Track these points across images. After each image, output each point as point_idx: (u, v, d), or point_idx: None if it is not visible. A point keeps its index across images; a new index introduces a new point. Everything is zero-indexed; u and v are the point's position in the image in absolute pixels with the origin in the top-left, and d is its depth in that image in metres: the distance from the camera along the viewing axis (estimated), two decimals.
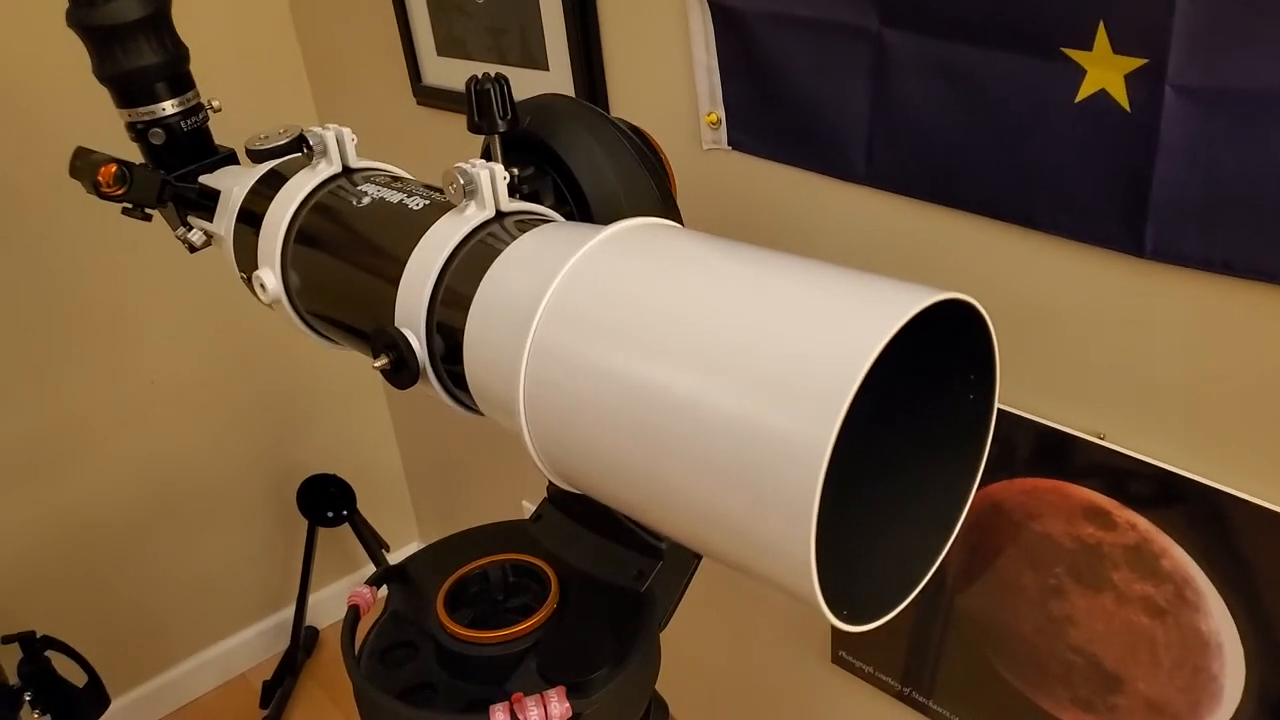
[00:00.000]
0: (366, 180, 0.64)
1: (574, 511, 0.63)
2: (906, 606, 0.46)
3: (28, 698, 1.15)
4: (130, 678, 1.60)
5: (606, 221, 0.51)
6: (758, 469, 0.38)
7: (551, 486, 0.64)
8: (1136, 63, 0.59)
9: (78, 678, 1.20)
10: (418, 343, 0.53)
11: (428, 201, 0.58)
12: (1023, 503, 0.78)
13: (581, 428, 0.45)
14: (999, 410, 0.46)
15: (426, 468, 1.78)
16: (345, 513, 1.69)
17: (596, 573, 0.61)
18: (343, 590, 1.81)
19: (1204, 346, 0.65)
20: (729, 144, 0.88)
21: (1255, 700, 0.70)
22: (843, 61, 0.75)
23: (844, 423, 0.36)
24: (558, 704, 0.54)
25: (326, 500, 1.68)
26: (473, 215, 0.54)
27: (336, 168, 0.65)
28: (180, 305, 1.48)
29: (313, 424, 1.69)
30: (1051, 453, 0.75)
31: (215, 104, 0.75)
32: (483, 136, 0.61)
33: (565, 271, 0.47)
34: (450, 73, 1.19)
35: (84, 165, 0.69)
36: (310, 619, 1.74)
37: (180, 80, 0.72)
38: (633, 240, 0.49)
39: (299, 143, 0.66)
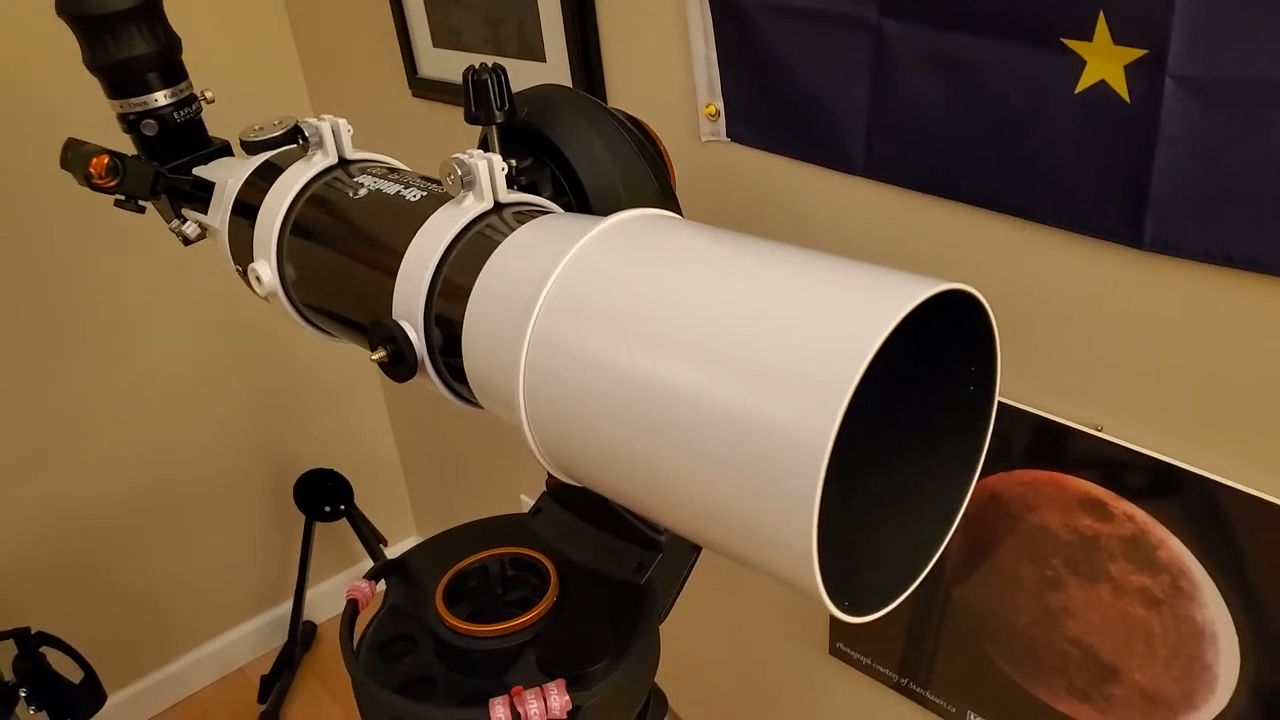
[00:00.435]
0: (363, 172, 0.63)
1: (573, 505, 0.63)
2: (905, 598, 0.45)
3: (23, 694, 1.15)
4: (127, 673, 1.60)
5: (605, 213, 0.51)
6: (759, 461, 0.38)
7: (551, 480, 0.63)
8: (1137, 53, 0.59)
9: (73, 674, 1.20)
10: (416, 335, 0.53)
11: (425, 193, 0.58)
12: (1020, 494, 0.79)
13: (582, 420, 0.45)
14: (997, 402, 0.46)
15: (424, 462, 1.77)
16: (343, 507, 1.69)
17: (596, 566, 0.61)
18: (340, 585, 1.81)
19: (1202, 338, 0.65)
20: (727, 136, 0.88)
21: (1250, 690, 0.70)
22: (841, 53, 0.75)
23: (845, 414, 0.36)
24: (557, 697, 0.54)
25: (324, 495, 1.68)
26: (471, 206, 0.54)
27: (332, 159, 0.64)
28: (176, 299, 1.47)
29: (310, 419, 1.68)
30: (1049, 444, 0.75)
31: (208, 95, 0.74)
32: (480, 128, 0.61)
33: (565, 263, 0.47)
34: (446, 64, 1.19)
35: (75, 157, 0.68)
36: (308, 614, 1.74)
37: (172, 71, 0.71)
38: (632, 231, 0.48)
39: (294, 134, 0.66)
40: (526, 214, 0.54)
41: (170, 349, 1.49)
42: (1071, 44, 0.62)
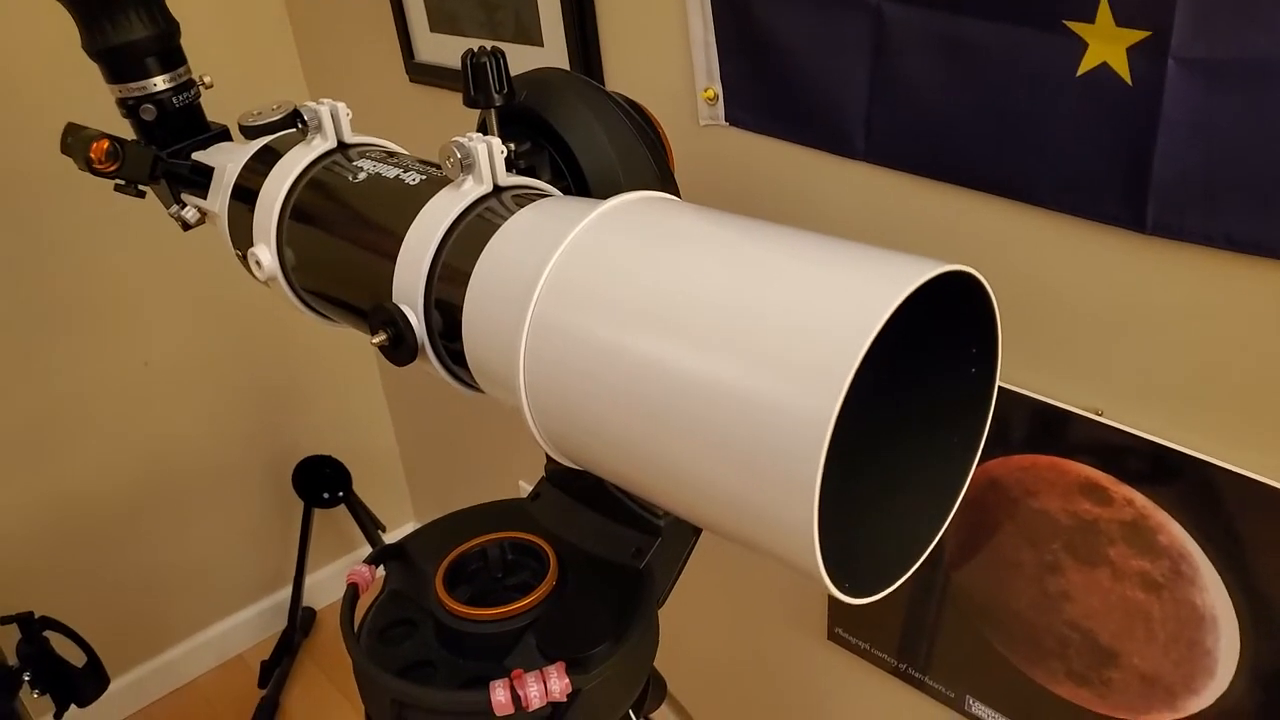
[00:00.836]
0: (362, 156, 0.63)
1: (572, 490, 0.63)
2: (905, 581, 0.46)
3: (27, 678, 1.15)
4: (129, 658, 1.61)
5: (604, 196, 0.51)
6: (760, 442, 0.38)
7: (550, 464, 0.64)
8: (1139, 35, 0.59)
9: (77, 658, 1.20)
10: (416, 319, 0.53)
11: (424, 176, 0.58)
12: (1020, 479, 0.79)
13: (582, 402, 0.45)
14: (997, 385, 0.46)
15: (422, 448, 1.77)
16: (341, 494, 1.69)
17: (595, 550, 0.61)
18: (339, 571, 1.81)
19: (1203, 322, 0.65)
20: (726, 120, 0.88)
21: (1249, 673, 0.70)
22: (841, 36, 0.75)
23: (846, 396, 0.36)
24: (557, 680, 0.54)
25: (322, 481, 1.68)
26: (470, 190, 0.54)
27: (331, 143, 0.64)
28: (175, 285, 1.47)
29: (308, 405, 1.68)
30: (1049, 429, 0.75)
31: (207, 80, 0.74)
32: (478, 111, 0.60)
33: (564, 246, 0.47)
34: (443, 49, 1.18)
35: (76, 141, 0.68)
36: (307, 600, 1.74)
37: (171, 55, 0.71)
38: (632, 214, 0.48)
39: (293, 118, 0.65)
40: (526, 197, 0.54)
41: (169, 336, 1.49)
42: (1073, 26, 0.61)
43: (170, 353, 1.49)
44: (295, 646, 1.70)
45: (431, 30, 1.18)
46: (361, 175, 0.61)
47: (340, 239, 0.60)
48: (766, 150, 0.86)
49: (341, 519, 1.74)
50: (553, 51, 1.02)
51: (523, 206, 0.52)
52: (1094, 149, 0.64)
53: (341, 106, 0.64)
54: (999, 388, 0.46)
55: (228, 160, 0.69)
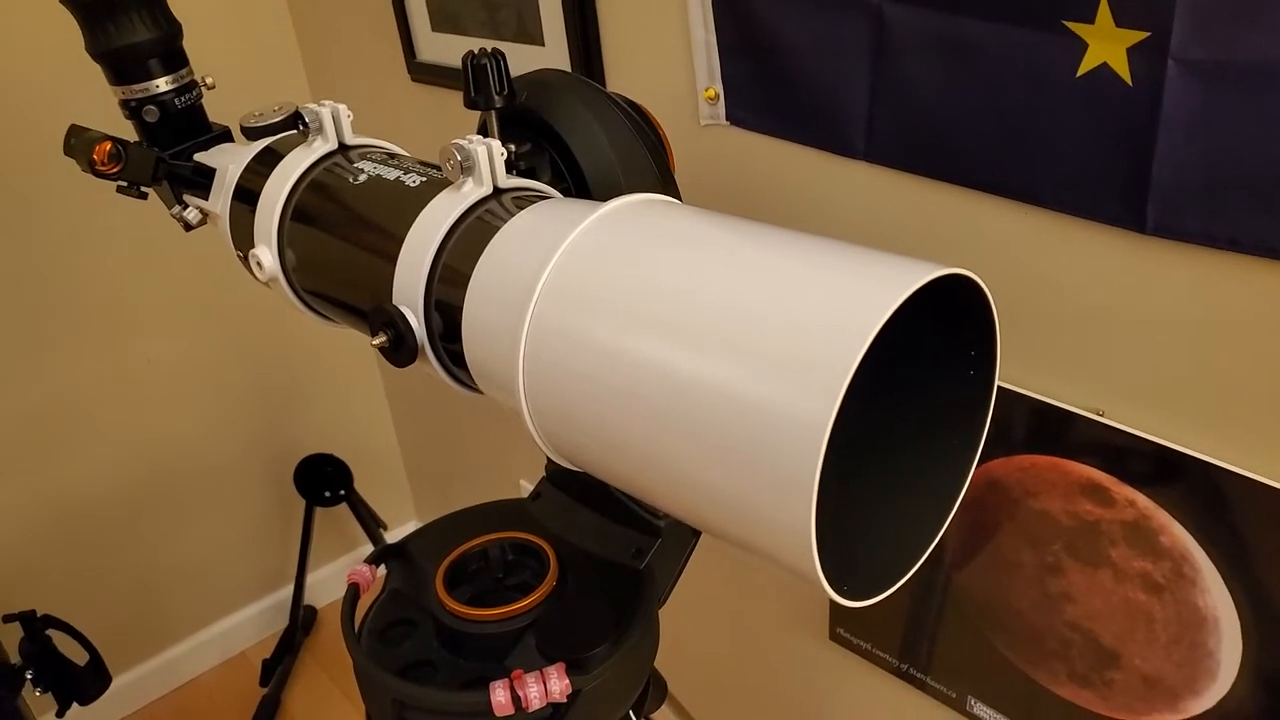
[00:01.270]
0: (363, 157, 0.63)
1: (572, 490, 0.63)
2: (905, 583, 0.46)
3: (29, 676, 1.15)
4: (131, 656, 1.61)
5: (604, 198, 0.51)
6: (758, 444, 0.38)
7: (550, 464, 0.64)
8: (1139, 36, 0.59)
9: (79, 656, 1.20)
10: (416, 320, 0.53)
11: (425, 178, 0.58)
12: (1020, 480, 0.79)
13: (581, 404, 0.45)
14: (997, 386, 0.46)
15: (423, 446, 1.78)
16: (342, 492, 1.69)
17: (595, 550, 0.61)
18: (340, 569, 1.82)
19: (1204, 323, 0.65)
20: (727, 119, 0.88)
21: (1251, 675, 0.70)
22: (841, 35, 0.75)
23: (844, 399, 0.36)
24: (557, 680, 0.54)
25: (323, 480, 1.69)
26: (470, 192, 0.54)
27: (332, 145, 0.64)
28: (176, 284, 1.47)
29: (309, 404, 1.69)
30: (1050, 429, 0.75)
31: (209, 81, 0.74)
32: (479, 113, 0.60)
33: (564, 248, 0.47)
34: (445, 49, 1.18)
35: (79, 143, 0.68)
36: (308, 598, 1.75)
37: (173, 57, 0.71)
38: (631, 216, 0.48)
39: (294, 120, 0.66)
40: (525, 199, 0.54)
41: (171, 335, 1.49)
42: (1073, 26, 0.61)
43: (172, 351, 1.50)
44: (297, 645, 1.70)
45: (433, 30, 1.18)
46: (362, 177, 0.61)
47: (341, 240, 0.61)
48: (767, 150, 0.86)
49: (343, 517, 1.75)
50: (554, 50, 1.02)
51: (523, 209, 0.52)
52: (1094, 149, 0.64)
53: (342, 108, 0.64)
54: (999, 387, 0.46)
55: (229, 162, 0.69)
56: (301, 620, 1.71)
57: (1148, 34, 0.58)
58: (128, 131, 0.73)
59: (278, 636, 1.70)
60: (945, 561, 0.88)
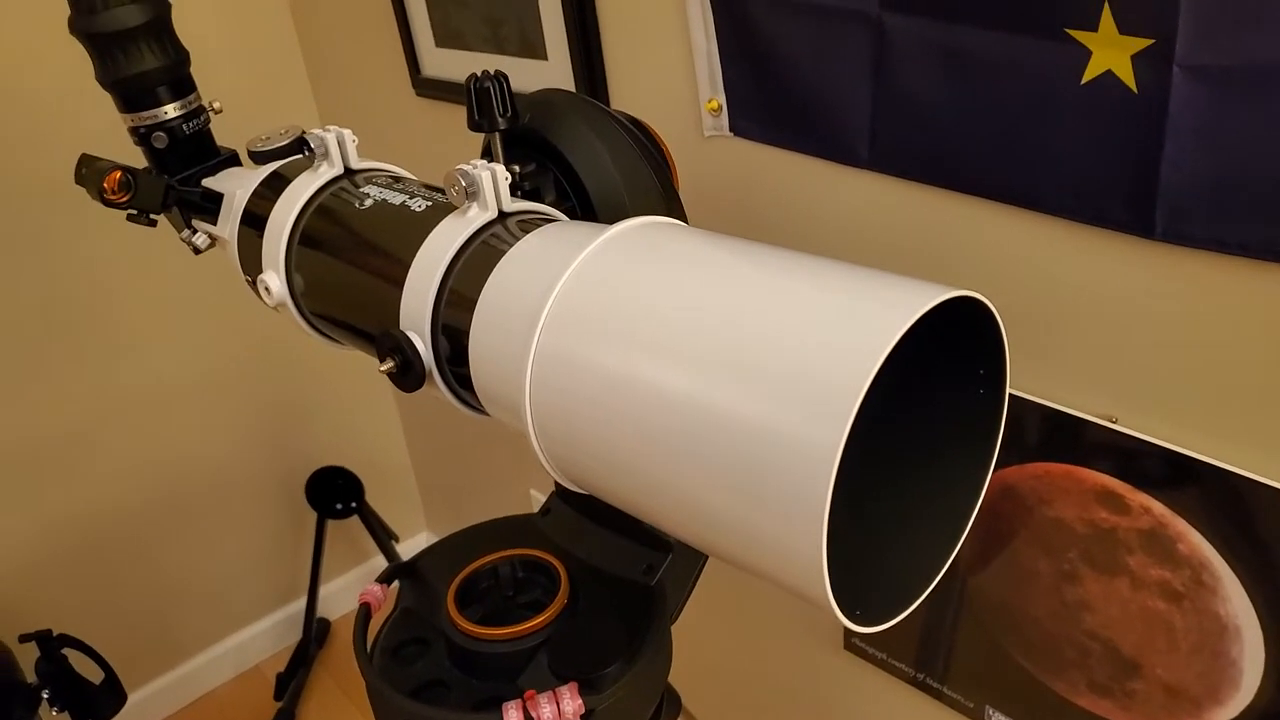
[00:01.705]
0: (368, 182, 0.63)
1: (582, 506, 0.63)
2: (917, 606, 0.45)
3: (46, 695, 1.16)
4: (146, 672, 1.62)
5: (609, 217, 0.51)
6: (767, 471, 0.37)
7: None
8: (1143, 43, 0.58)
9: (95, 675, 1.21)
10: (423, 346, 0.53)
11: (430, 203, 0.58)
12: (1035, 487, 0.78)
13: (589, 430, 0.45)
14: (1009, 394, 0.46)
15: (434, 458, 1.78)
16: (354, 504, 1.70)
17: (606, 567, 0.61)
18: (352, 581, 1.82)
19: (1215, 328, 0.64)
20: (730, 130, 0.88)
21: (1275, 683, 0.70)
22: (843, 45, 0.75)
23: (854, 422, 0.35)
24: (570, 700, 0.54)
25: (335, 493, 1.69)
26: (475, 217, 0.54)
27: (338, 169, 0.65)
28: (186, 302, 1.48)
29: (320, 417, 1.69)
30: (1063, 437, 0.75)
31: (216, 105, 0.75)
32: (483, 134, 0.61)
33: (569, 273, 0.47)
34: (449, 64, 1.18)
35: (89, 173, 0.69)
36: (321, 611, 1.75)
37: (181, 83, 0.72)
38: (636, 240, 0.48)
39: (300, 144, 0.66)
40: (531, 222, 0.54)
41: (182, 351, 1.50)
42: (1076, 34, 0.61)
43: (183, 368, 1.50)
44: (310, 658, 1.70)
45: (437, 45, 1.19)
46: (368, 202, 0.61)
47: (347, 266, 0.61)
48: (771, 160, 0.86)
49: (354, 530, 1.75)
50: (557, 65, 1.02)
51: (528, 232, 0.52)
52: (1101, 156, 0.64)
53: (348, 133, 0.64)
54: (1012, 395, 0.46)
55: (237, 187, 0.69)
56: (315, 633, 1.72)
57: (1152, 41, 0.58)
58: (137, 157, 0.73)
59: (291, 650, 1.70)
60: (961, 571, 0.87)
